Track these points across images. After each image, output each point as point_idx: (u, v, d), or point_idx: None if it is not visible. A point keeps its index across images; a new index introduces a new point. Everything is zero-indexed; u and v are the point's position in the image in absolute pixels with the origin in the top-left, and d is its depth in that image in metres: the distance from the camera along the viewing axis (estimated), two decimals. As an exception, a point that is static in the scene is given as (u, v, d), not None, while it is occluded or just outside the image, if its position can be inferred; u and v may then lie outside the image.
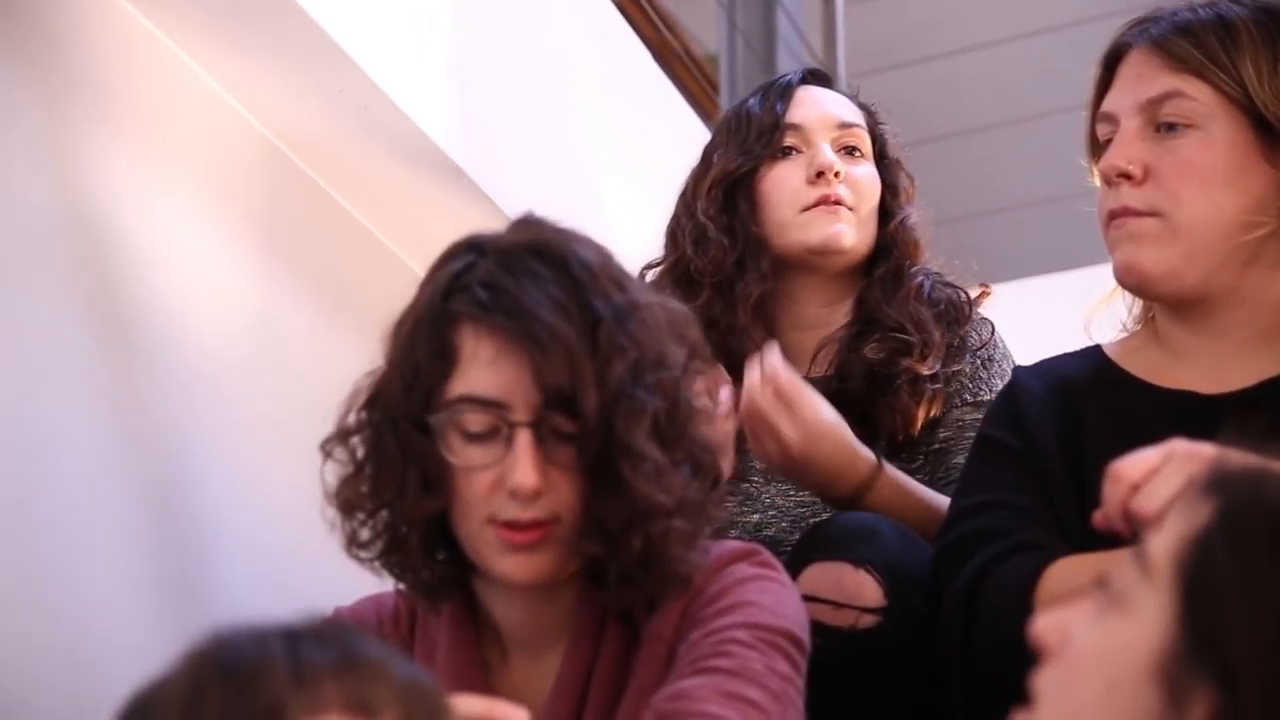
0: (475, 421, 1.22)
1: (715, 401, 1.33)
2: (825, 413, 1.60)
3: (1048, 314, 2.18)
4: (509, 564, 1.23)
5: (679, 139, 1.97)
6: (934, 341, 1.77)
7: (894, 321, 1.79)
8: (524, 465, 1.20)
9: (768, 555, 1.31)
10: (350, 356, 1.31)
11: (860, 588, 1.45)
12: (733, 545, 1.31)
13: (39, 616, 1.42)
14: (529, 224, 1.29)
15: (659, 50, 3.09)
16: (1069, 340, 1.56)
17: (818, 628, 1.41)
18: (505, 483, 1.20)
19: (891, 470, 1.63)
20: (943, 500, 1.63)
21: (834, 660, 1.32)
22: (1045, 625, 0.80)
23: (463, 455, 1.22)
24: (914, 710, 1.47)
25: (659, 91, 2.90)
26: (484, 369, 1.22)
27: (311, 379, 1.28)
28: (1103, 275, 1.47)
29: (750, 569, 1.28)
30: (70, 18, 1.59)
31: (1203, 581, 0.73)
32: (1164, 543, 0.77)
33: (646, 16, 3.24)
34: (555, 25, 2.44)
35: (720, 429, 1.35)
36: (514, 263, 1.24)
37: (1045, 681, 0.79)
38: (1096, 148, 1.47)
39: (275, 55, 1.74)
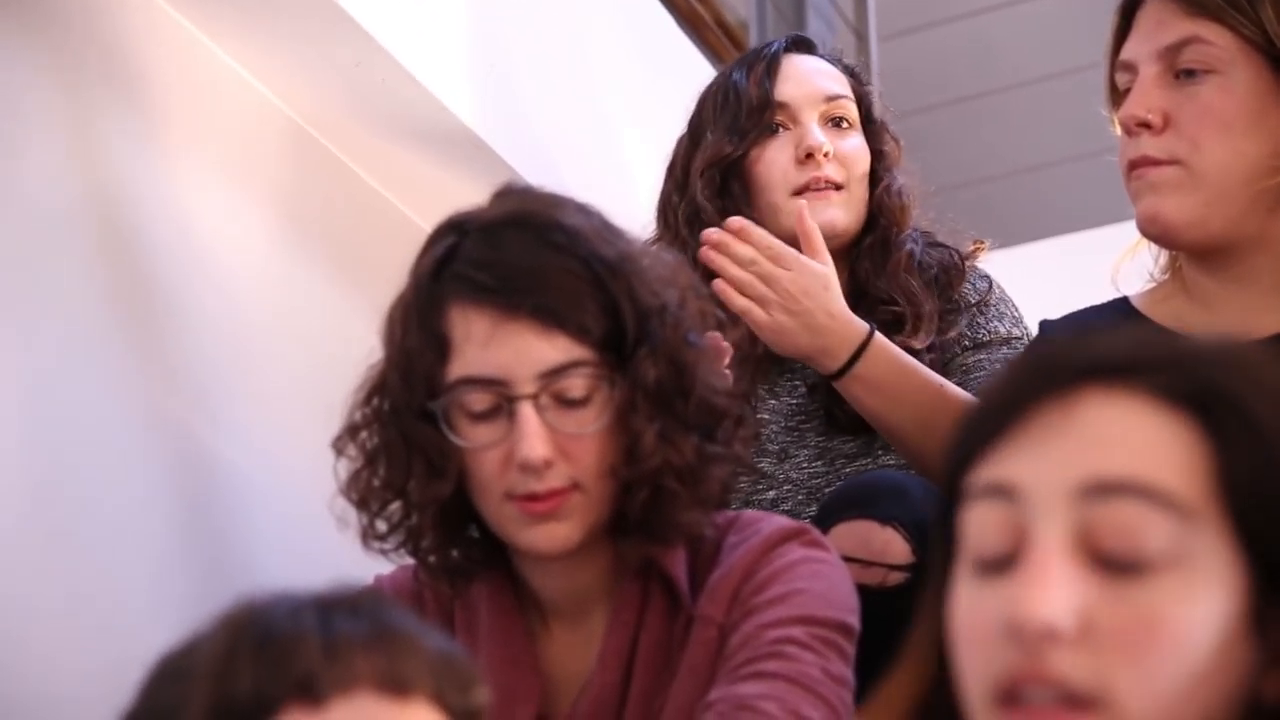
0: (477, 401, 1.22)
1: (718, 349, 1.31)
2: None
3: (1088, 269, 2.17)
4: (534, 535, 1.23)
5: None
6: (924, 313, 1.75)
7: (885, 295, 1.77)
8: (529, 439, 1.19)
9: (817, 534, 1.30)
10: (376, 331, 1.31)
11: (887, 545, 1.45)
12: (781, 523, 1.29)
13: (73, 593, 1.44)
14: (509, 194, 1.28)
15: (688, 19, 3.08)
16: (1108, 295, 1.54)
17: None
18: (514, 458, 1.20)
19: (885, 341, 1.58)
20: (944, 383, 1.60)
21: (862, 617, 1.32)
22: (1060, 613, 0.74)
23: (470, 436, 1.22)
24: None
25: (688, 61, 2.89)
26: (479, 350, 1.21)
27: (336, 352, 1.30)
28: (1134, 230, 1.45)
29: (800, 550, 1.26)
30: (92, 2, 1.61)
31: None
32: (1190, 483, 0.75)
33: (675, -15, 3.22)
34: (579, -6, 2.43)
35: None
36: (498, 236, 1.23)
37: (1122, 681, 0.73)
38: (1116, 96, 1.46)
39: (292, 31, 1.74)
